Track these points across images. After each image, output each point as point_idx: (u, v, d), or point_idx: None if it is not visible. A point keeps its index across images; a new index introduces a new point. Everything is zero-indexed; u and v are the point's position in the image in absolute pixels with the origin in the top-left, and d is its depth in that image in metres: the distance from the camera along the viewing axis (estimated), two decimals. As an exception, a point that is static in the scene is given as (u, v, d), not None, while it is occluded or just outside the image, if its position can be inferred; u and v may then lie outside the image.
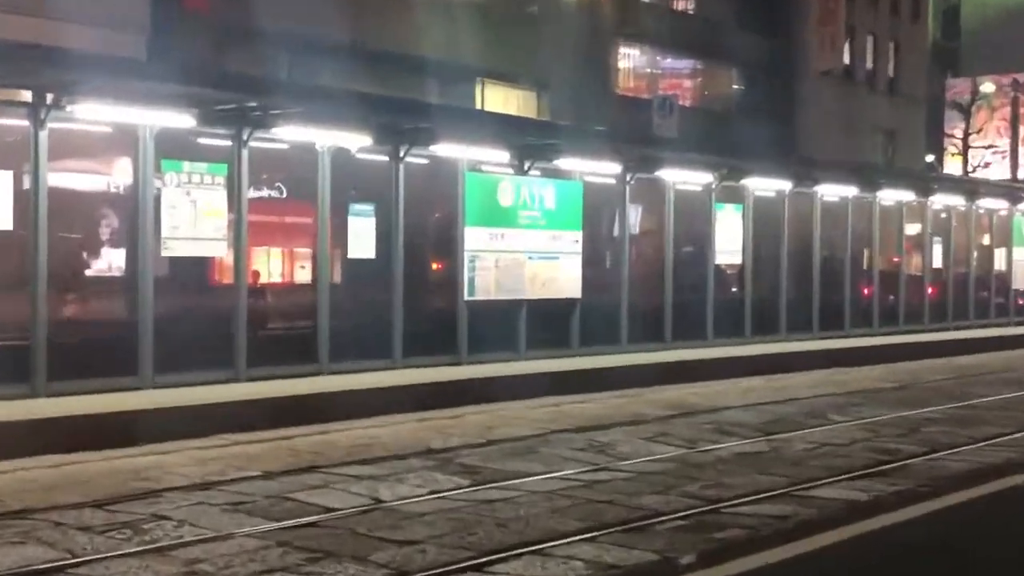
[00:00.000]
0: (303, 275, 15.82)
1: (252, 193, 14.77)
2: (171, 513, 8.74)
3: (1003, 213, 30.65)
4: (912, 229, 27.89)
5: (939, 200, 28.26)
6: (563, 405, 15.56)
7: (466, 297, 17.26)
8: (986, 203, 29.84)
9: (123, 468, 10.56)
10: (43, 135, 12.62)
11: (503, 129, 18.05)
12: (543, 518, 8.78)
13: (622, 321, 19.93)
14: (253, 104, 14.18)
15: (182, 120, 13.45)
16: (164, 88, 13.15)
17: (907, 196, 27.06)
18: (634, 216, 20.71)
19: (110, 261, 13.87)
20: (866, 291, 26.37)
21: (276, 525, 8.42)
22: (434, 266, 18.01)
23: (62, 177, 13.30)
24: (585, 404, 15.76)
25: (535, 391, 16.05)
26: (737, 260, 22.60)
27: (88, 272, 13.74)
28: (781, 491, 9.83)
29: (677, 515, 8.86)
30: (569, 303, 18.88)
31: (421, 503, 9.25)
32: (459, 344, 17.22)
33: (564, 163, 18.57)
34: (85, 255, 13.72)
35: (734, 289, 22.86)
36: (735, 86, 39.64)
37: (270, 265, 15.68)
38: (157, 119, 13.36)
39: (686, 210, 21.38)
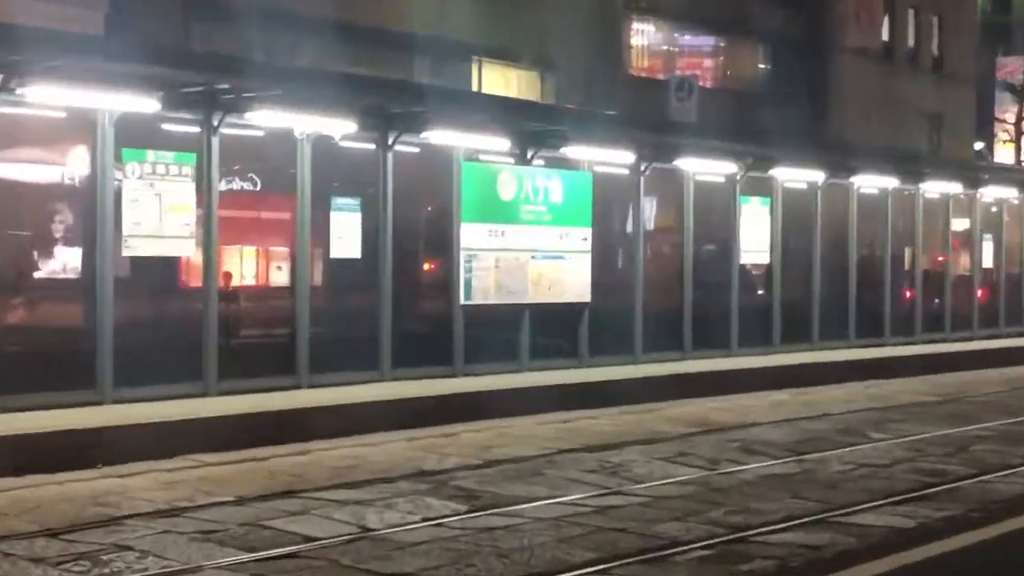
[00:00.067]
0: (280, 277, 15.81)
1: (223, 185, 14.76)
2: (134, 543, 8.72)
3: (1061, 206, 30.67)
4: (959, 225, 27.89)
5: (990, 192, 28.26)
6: (571, 421, 15.57)
7: (462, 301, 17.25)
8: (1042, 195, 29.86)
9: (80, 492, 10.55)
10: (-10, 121, 12.63)
11: (503, 113, 18.05)
12: (549, 548, 8.77)
13: (636, 328, 19.93)
14: (224, 86, 14.17)
15: (145, 104, 13.44)
16: (125, 68, 13.14)
17: (954, 188, 27.06)
18: (649, 210, 20.71)
19: (64, 261, 13.85)
20: (908, 294, 26.37)
21: (250, 556, 8.41)
22: (426, 267, 18.01)
23: (10, 168, 13.27)
24: (595, 420, 15.76)
25: (539, 406, 16.05)
26: (764, 260, 22.59)
27: (39, 274, 13.71)
28: (815, 517, 9.84)
29: (699, 544, 8.86)
30: (577, 308, 18.87)
31: (413, 531, 9.25)
32: (454, 354, 17.21)
33: (571, 152, 18.58)
34: (36, 255, 13.69)
35: (761, 292, 22.86)
36: (761, 65, 39.60)
37: (243, 266, 15.66)
38: (117, 103, 13.35)
39: (707, 204, 21.39)
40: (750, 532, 9.26)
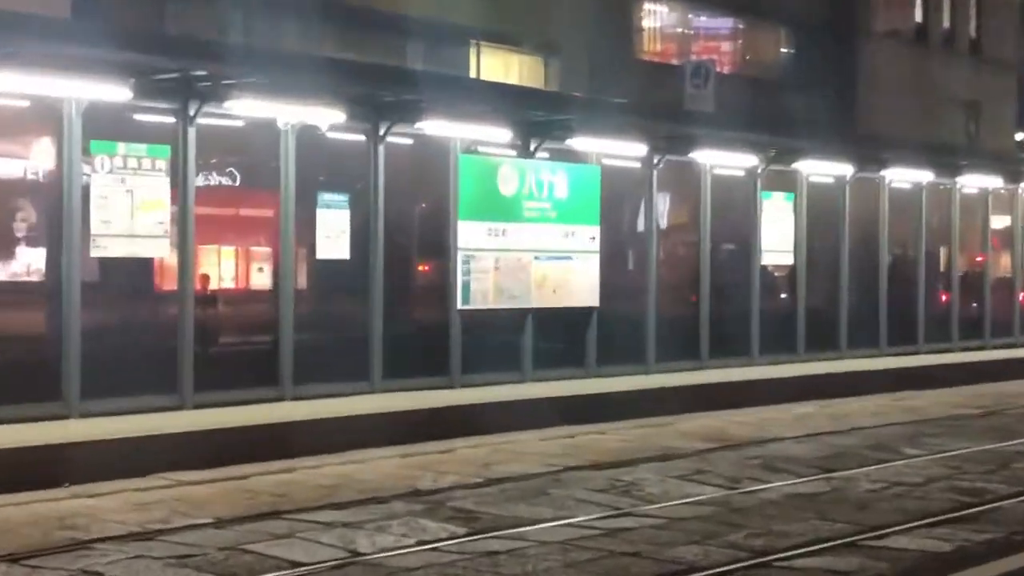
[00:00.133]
0: (262, 279, 15.82)
1: (200, 180, 14.78)
2: (104, 569, 8.73)
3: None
4: (1000, 222, 27.91)
5: (1032, 187, 28.32)
6: (577, 436, 15.59)
7: (460, 306, 17.27)
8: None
9: (45, 514, 10.55)
10: (-53, 111, 12.65)
11: (503, 102, 18.05)
12: (556, 574, 8.77)
13: (649, 335, 19.94)
14: (201, 72, 14.18)
15: (115, 92, 13.45)
16: (93, 54, 13.14)
17: (993, 182, 27.09)
18: (663, 207, 20.74)
19: (27, 263, 13.86)
20: (944, 298, 26.39)
21: (231, 583, 8.42)
22: (421, 268, 18.04)
23: (-31, 162, 13.32)
24: (604, 435, 15.78)
25: (543, 419, 16.08)
26: (787, 260, 22.62)
27: (-1, 276, 13.74)
28: (844, 540, 9.85)
29: (718, 570, 8.87)
30: (584, 313, 18.89)
31: (407, 556, 9.26)
32: (451, 363, 17.23)
33: (578, 143, 18.60)
34: (-4, 256, 13.72)
35: (784, 295, 22.88)
36: (784, 49, 39.62)
37: (222, 267, 15.67)
38: (85, 91, 13.36)
39: (726, 200, 21.41)
40: (773, 557, 9.27)
